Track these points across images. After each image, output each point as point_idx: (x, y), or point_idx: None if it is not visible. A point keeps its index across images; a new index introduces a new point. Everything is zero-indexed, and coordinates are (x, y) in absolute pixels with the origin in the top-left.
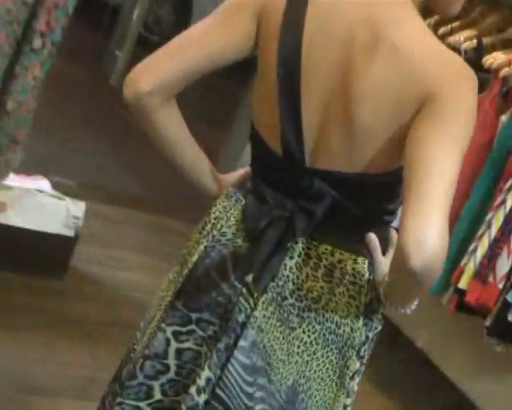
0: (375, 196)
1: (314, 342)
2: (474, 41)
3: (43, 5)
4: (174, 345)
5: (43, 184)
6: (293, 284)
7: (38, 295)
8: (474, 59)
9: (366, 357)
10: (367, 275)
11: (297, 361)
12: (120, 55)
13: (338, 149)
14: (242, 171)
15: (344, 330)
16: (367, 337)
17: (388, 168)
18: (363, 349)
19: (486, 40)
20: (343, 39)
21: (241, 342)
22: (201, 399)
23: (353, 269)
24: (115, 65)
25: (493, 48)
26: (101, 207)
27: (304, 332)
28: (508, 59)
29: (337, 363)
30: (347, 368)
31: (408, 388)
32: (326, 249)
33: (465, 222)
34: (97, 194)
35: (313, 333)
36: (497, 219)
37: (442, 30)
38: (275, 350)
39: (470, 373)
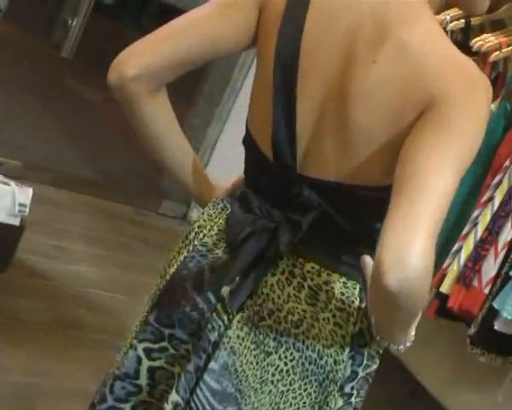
0: (369, 212)
1: (291, 372)
2: (462, 21)
3: None
4: (146, 363)
5: None
6: (273, 303)
7: None
8: (461, 41)
9: (355, 397)
10: (357, 302)
11: (270, 391)
12: (74, 23)
13: (331, 155)
14: (237, 177)
15: (326, 362)
16: (354, 373)
17: (384, 182)
18: (348, 386)
19: (475, 20)
20: (346, 37)
21: (212, 365)
22: None
23: (342, 294)
24: (67, 34)
25: (482, 29)
26: (49, 190)
27: (280, 359)
28: (498, 41)
29: (316, 398)
30: (327, 405)
31: (382, 398)
32: (312, 268)
33: (448, 220)
34: (45, 176)
35: (291, 361)
36: (483, 218)
37: None
38: (247, 376)
39: (449, 384)
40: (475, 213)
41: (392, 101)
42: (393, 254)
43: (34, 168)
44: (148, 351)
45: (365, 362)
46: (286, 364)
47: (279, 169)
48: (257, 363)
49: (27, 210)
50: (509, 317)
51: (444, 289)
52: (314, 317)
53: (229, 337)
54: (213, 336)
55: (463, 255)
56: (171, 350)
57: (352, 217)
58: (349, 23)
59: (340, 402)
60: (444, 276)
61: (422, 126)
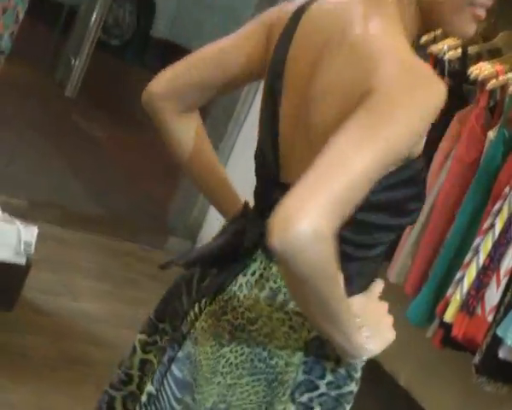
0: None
1: (240, 366)
2: (459, 50)
3: None
4: (139, 355)
5: None
6: (238, 301)
7: None
8: (458, 70)
9: None
10: None
11: (219, 382)
12: (77, 63)
13: (304, 160)
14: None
15: (277, 363)
16: (312, 384)
17: None
18: (305, 396)
19: (472, 49)
20: (319, 46)
21: (179, 354)
22: None
23: None
24: (71, 73)
25: (479, 58)
26: (55, 228)
27: (231, 352)
28: (495, 70)
29: (264, 397)
30: (272, 406)
31: None
32: (277, 271)
33: (450, 248)
34: (50, 214)
35: (241, 355)
36: (485, 245)
37: (424, 38)
38: (202, 366)
39: None
40: (477, 241)
41: (342, 101)
42: (280, 216)
43: (39, 206)
44: (143, 343)
45: (329, 378)
46: (236, 358)
47: (264, 177)
48: (212, 353)
49: (33, 248)
50: (510, 341)
51: (447, 318)
52: (269, 316)
53: (196, 328)
54: (185, 328)
55: (466, 283)
56: (160, 343)
57: None
58: (327, 33)
59: (292, 408)
60: (447, 305)
61: (355, 111)
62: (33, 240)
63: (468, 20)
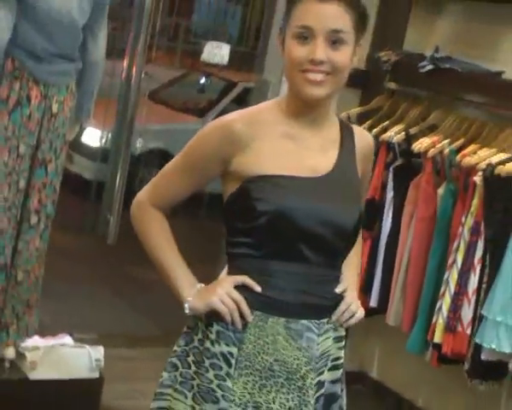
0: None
1: None
2: (403, 133)
3: (33, 187)
4: None
5: (66, 338)
6: None
7: None
8: (405, 149)
9: None
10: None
11: None
12: (112, 218)
13: None
14: None
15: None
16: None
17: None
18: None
19: (413, 130)
20: None
21: None
22: None
23: None
24: (108, 226)
25: (421, 135)
26: (119, 350)
27: None
28: (432, 141)
29: None
30: None
31: None
32: None
33: (428, 286)
34: (115, 340)
35: None
36: (452, 277)
37: (375, 130)
38: None
39: None
40: (446, 275)
41: None
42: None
43: (105, 336)
44: None
45: (199, 336)
46: None
47: None
48: None
49: (103, 363)
50: (488, 346)
51: (436, 339)
52: None
53: None
54: None
55: (445, 309)
56: None
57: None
58: None
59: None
60: (434, 330)
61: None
62: (102, 357)
63: (303, 83)
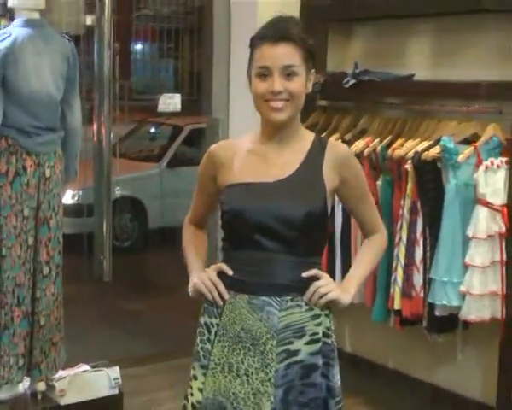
0: None
1: None
2: (340, 140)
3: (40, 242)
4: None
5: (84, 366)
6: None
7: None
8: None
9: None
10: None
11: None
12: (105, 260)
13: None
14: None
15: None
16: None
17: None
18: None
19: (347, 136)
20: None
21: None
22: None
23: None
24: (103, 267)
25: (354, 139)
26: (128, 370)
27: None
28: (365, 142)
29: None
30: None
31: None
32: None
33: (382, 264)
34: (123, 363)
35: None
36: (401, 252)
37: None
38: None
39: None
40: (395, 252)
41: None
42: None
43: (115, 360)
44: None
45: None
46: None
47: None
48: None
49: (120, 381)
50: (439, 303)
51: (396, 306)
52: None
53: None
54: None
55: (399, 280)
56: None
57: None
58: None
59: None
60: (393, 298)
61: None
62: (119, 375)
63: (267, 111)
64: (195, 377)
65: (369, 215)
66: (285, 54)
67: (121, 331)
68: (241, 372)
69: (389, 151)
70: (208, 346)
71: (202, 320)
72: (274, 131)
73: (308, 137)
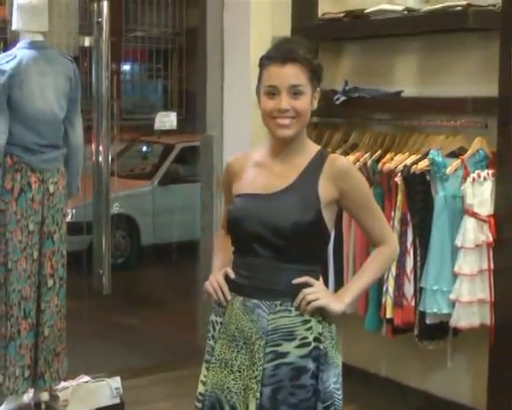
0: None
1: None
2: None
3: (45, 256)
4: None
5: (85, 377)
6: None
7: None
8: None
9: None
10: None
11: None
12: (104, 274)
13: None
14: None
15: None
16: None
17: None
18: None
19: (338, 151)
20: None
21: None
22: None
23: None
24: (103, 280)
25: (345, 154)
26: (127, 381)
27: None
28: (356, 157)
29: None
30: None
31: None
32: None
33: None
34: (122, 374)
35: None
36: (392, 262)
37: None
38: None
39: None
40: None
41: None
42: None
43: (114, 371)
44: None
45: None
46: None
47: None
48: None
49: (121, 390)
50: (430, 311)
51: (388, 315)
52: None
53: None
54: None
55: (390, 290)
56: None
57: None
58: None
59: None
60: (385, 308)
61: None
62: (120, 385)
63: (274, 127)
64: (202, 371)
65: (374, 225)
66: (292, 74)
67: (119, 344)
68: (234, 369)
69: (379, 165)
70: (212, 342)
71: (210, 318)
72: (281, 146)
73: (312, 150)
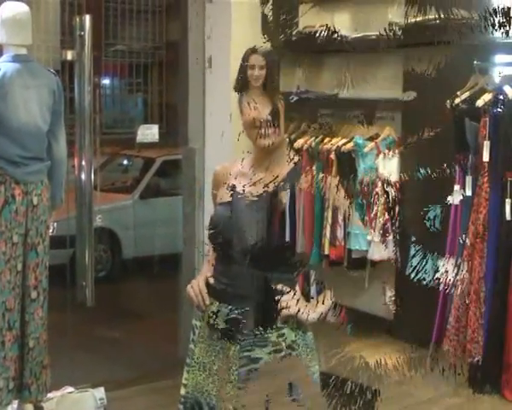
0: None
1: None
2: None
3: (29, 267)
4: None
5: (69, 388)
6: None
7: None
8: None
9: None
10: None
11: None
12: (87, 286)
13: None
14: None
15: None
16: None
17: None
18: None
19: (293, 136)
20: None
21: None
22: None
23: None
24: (86, 292)
25: (297, 138)
26: (111, 393)
27: None
28: (304, 141)
29: None
30: None
31: None
32: None
33: (317, 224)
34: (106, 386)
35: None
36: (328, 214)
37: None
38: None
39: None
40: (325, 215)
41: None
42: None
43: (98, 383)
44: None
45: None
46: None
47: None
48: None
49: (106, 401)
50: (354, 248)
51: (326, 252)
52: None
53: None
54: None
55: (327, 234)
56: None
57: None
58: None
59: None
60: (324, 246)
61: None
62: (104, 395)
63: (256, 137)
64: (183, 375)
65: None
66: None
67: (102, 355)
68: (212, 372)
69: (320, 146)
70: (192, 346)
71: (192, 322)
72: (262, 155)
73: (291, 161)
